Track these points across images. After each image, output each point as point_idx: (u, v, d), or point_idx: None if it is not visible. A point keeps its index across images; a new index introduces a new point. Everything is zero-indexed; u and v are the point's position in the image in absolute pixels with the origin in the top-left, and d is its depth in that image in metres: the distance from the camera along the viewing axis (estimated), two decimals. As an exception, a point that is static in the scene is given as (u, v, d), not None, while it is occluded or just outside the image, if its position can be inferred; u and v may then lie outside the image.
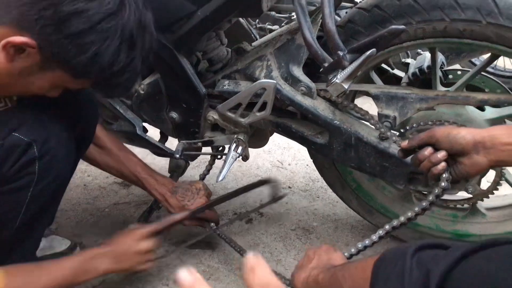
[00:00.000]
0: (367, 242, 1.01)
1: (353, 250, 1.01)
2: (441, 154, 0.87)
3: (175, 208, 1.24)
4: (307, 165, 1.86)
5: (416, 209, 0.99)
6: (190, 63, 1.23)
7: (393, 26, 0.88)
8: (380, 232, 1.01)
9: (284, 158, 1.93)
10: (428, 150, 0.89)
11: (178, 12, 1.10)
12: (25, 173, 0.89)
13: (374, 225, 1.39)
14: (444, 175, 0.88)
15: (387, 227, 1.01)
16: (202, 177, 1.40)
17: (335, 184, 1.37)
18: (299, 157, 1.93)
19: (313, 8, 1.23)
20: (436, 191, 0.94)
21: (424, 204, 0.97)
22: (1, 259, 0.98)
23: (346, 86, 0.93)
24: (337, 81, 0.93)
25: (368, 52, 0.89)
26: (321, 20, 1.08)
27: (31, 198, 0.92)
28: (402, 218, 1.00)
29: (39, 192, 0.93)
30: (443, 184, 0.90)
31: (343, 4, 2.12)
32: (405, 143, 0.95)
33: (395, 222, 1.00)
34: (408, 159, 1.07)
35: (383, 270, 0.63)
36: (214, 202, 1.27)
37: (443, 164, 0.87)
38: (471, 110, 1.10)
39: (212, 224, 1.28)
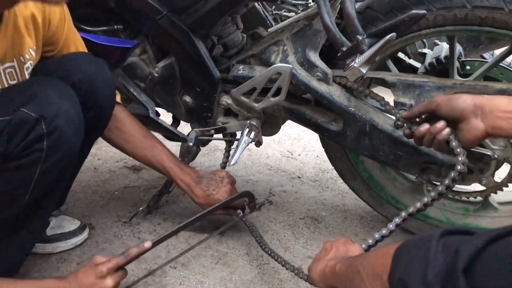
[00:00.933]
0: (384, 231, 0.97)
1: (370, 241, 0.98)
2: (440, 124, 0.88)
3: (199, 198, 1.24)
4: (317, 156, 1.86)
5: (433, 193, 0.95)
6: (205, 47, 1.23)
7: (414, 11, 0.87)
8: (397, 220, 0.98)
9: (294, 148, 1.93)
10: (424, 126, 0.90)
11: (196, -6, 1.10)
12: (33, 150, 0.88)
13: (384, 216, 1.39)
14: (450, 137, 0.88)
15: (403, 214, 0.98)
16: (223, 165, 1.39)
17: (346, 174, 1.37)
18: (309, 148, 1.92)
19: None
20: (452, 174, 0.92)
21: (440, 189, 0.95)
22: (10, 236, 0.99)
23: (364, 70, 0.93)
24: (355, 65, 0.93)
25: (388, 36, 0.88)
26: (339, 6, 1.08)
27: (39, 175, 0.91)
28: (418, 204, 0.97)
29: (48, 169, 0.91)
30: (459, 167, 0.89)
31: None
32: (406, 113, 0.96)
33: (411, 209, 0.97)
34: (422, 148, 1.07)
35: (405, 255, 0.61)
36: (192, 221, 1.18)
37: (447, 130, 0.87)
38: (488, 101, 1.09)
39: (238, 211, 1.28)
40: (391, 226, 0.97)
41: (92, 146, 1.23)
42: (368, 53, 0.91)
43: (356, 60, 0.92)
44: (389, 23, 0.91)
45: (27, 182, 0.91)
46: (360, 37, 0.93)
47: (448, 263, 0.54)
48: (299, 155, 1.88)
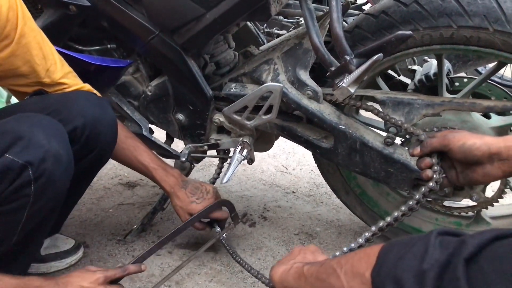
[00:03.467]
0: (352, 245, 0.94)
1: (338, 253, 0.93)
2: (427, 174, 0.87)
3: (181, 201, 1.22)
4: (312, 170, 1.86)
5: (403, 208, 0.94)
6: (197, 66, 1.24)
7: (400, 32, 0.89)
8: (367, 234, 0.95)
9: (289, 163, 1.93)
10: (425, 163, 0.87)
11: (187, 15, 1.11)
12: (20, 196, 0.85)
13: (378, 231, 1.39)
14: (434, 176, 0.86)
15: (373, 228, 0.95)
16: (213, 181, 1.40)
17: (339, 189, 1.37)
18: (304, 162, 1.93)
19: (321, 13, 1.24)
20: (423, 189, 0.91)
21: (410, 202, 0.93)
22: (6, 264, 0.97)
23: (352, 90, 0.94)
24: (344, 85, 0.94)
25: (375, 57, 0.89)
26: (328, 25, 1.09)
27: (27, 218, 0.89)
28: (388, 219, 0.94)
29: (36, 211, 0.89)
30: (431, 184, 0.88)
31: (351, 11, 2.14)
32: (417, 151, 0.91)
33: (381, 223, 0.94)
34: (413, 165, 1.07)
35: (394, 252, 0.59)
36: (173, 234, 1.22)
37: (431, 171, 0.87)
38: (477, 117, 1.10)
39: (218, 229, 1.28)
40: (360, 240, 0.95)
41: (93, 179, 1.23)
42: (356, 73, 0.92)
43: (345, 80, 0.93)
44: (376, 44, 0.92)
45: (14, 225, 0.89)
46: (348, 57, 0.94)
47: (450, 253, 0.53)
48: (293, 169, 1.89)
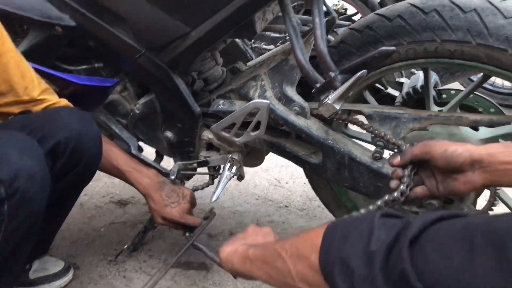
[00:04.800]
0: None
1: None
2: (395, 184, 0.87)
3: (156, 204, 1.19)
4: (305, 183, 1.85)
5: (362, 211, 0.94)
6: (185, 83, 1.24)
7: (384, 48, 0.88)
8: None
9: (282, 176, 1.93)
10: (396, 173, 0.88)
11: (172, 33, 1.11)
12: None
13: (371, 245, 1.38)
14: (401, 187, 0.86)
15: None
16: (194, 189, 1.37)
17: (330, 203, 1.36)
18: (297, 175, 1.92)
19: (306, 28, 1.24)
20: (386, 197, 0.90)
21: (371, 208, 0.92)
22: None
23: (337, 106, 0.93)
24: (329, 101, 0.94)
25: (359, 73, 0.89)
26: (313, 41, 1.09)
27: (4, 238, 0.87)
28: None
29: (12, 232, 0.88)
30: (395, 194, 0.87)
31: (340, 22, 2.15)
32: (397, 160, 0.90)
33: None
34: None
35: (339, 234, 0.60)
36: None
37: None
38: (465, 130, 1.09)
39: (187, 234, 1.22)
40: None
41: (79, 195, 1.22)
42: (340, 90, 0.91)
43: (330, 97, 0.93)
44: (360, 60, 0.92)
45: None
46: (332, 74, 0.94)
47: (396, 234, 0.54)
48: (286, 182, 1.88)
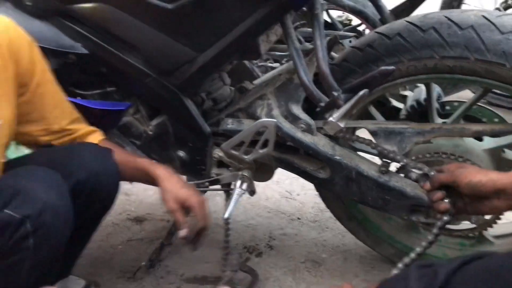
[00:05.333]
0: None
1: None
2: (444, 206, 0.89)
3: (174, 185, 1.13)
4: (316, 194, 1.86)
5: (423, 243, 0.96)
6: (194, 104, 1.28)
7: (383, 67, 0.91)
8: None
9: (293, 188, 1.95)
10: (437, 196, 0.90)
11: (180, 58, 1.15)
12: (20, 249, 0.87)
13: (383, 255, 1.40)
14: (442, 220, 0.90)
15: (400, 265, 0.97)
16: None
17: (341, 216, 1.39)
18: (308, 186, 1.94)
19: (310, 47, 1.27)
20: (439, 223, 0.93)
21: (430, 238, 0.95)
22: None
23: (342, 124, 0.97)
24: (333, 120, 0.97)
25: (361, 93, 0.92)
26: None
27: (29, 269, 0.91)
28: (412, 255, 0.96)
29: (37, 263, 0.91)
30: (445, 218, 0.91)
31: (345, 33, 2.18)
32: (427, 186, 0.94)
33: (400, 265, 0.96)
34: (409, 191, 1.09)
35: None
36: None
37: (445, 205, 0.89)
38: (469, 140, 1.12)
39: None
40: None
41: (99, 224, 1.23)
42: (343, 109, 0.95)
43: (334, 115, 0.96)
44: (361, 79, 0.95)
45: (18, 276, 0.91)
46: (335, 93, 0.97)
47: (426, 282, 0.61)
48: (298, 194, 1.90)
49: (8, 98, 0.97)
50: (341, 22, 2.47)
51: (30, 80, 1.02)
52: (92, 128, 1.18)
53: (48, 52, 1.27)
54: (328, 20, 2.51)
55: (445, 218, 0.91)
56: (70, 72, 1.32)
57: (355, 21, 2.48)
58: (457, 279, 0.59)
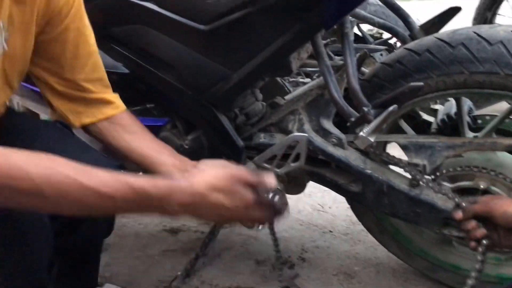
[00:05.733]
0: None
1: None
2: (481, 232, 0.89)
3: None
4: (347, 207, 1.87)
5: (473, 274, 0.96)
6: (228, 119, 1.33)
7: (412, 84, 0.94)
8: None
9: (325, 201, 1.97)
10: (471, 225, 0.91)
11: (215, 77, 1.21)
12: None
13: (415, 268, 1.40)
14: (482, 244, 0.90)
15: None
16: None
17: (373, 229, 1.40)
18: (340, 199, 1.95)
19: (340, 62, 1.30)
20: (480, 249, 0.93)
21: (477, 266, 0.95)
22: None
23: (372, 139, 0.99)
24: (363, 134, 0.99)
25: (390, 108, 0.95)
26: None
27: None
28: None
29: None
30: (484, 241, 0.91)
31: (376, 47, 2.19)
32: (460, 215, 0.95)
33: None
34: (440, 204, 1.10)
35: None
36: None
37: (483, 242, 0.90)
38: (502, 154, 1.11)
39: None
40: None
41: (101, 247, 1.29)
42: (373, 124, 0.97)
43: (364, 130, 0.99)
44: (390, 95, 0.97)
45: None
46: (366, 109, 1.00)
47: None
48: (329, 207, 1.92)
49: (27, 28, 0.91)
50: (371, 35, 2.49)
51: (60, 22, 0.95)
52: (111, 97, 1.10)
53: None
54: (359, 33, 2.53)
55: (485, 242, 0.91)
56: (113, 88, 1.40)
57: (386, 34, 2.48)
58: None
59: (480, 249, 0.92)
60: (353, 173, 1.17)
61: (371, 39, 2.42)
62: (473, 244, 0.90)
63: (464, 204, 0.96)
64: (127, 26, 1.28)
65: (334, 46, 1.98)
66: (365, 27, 2.61)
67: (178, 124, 1.43)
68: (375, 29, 2.57)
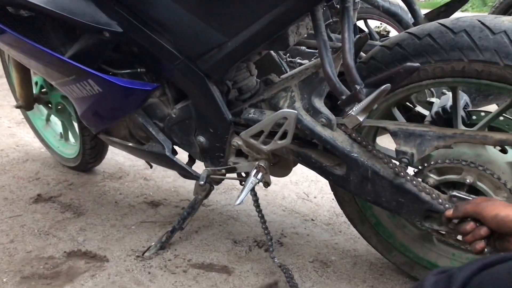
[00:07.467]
0: None
1: None
2: (483, 230, 0.86)
3: None
4: (333, 199, 1.85)
5: None
6: (219, 91, 1.29)
7: (409, 63, 0.90)
8: None
9: (311, 190, 1.94)
10: (470, 225, 0.89)
11: (210, 43, 1.17)
12: None
13: (393, 263, 1.37)
14: (485, 250, 0.88)
15: None
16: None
17: (354, 218, 1.37)
18: (326, 190, 1.93)
19: (339, 44, 1.27)
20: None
21: None
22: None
23: (361, 118, 0.96)
24: (353, 113, 0.96)
25: (383, 87, 0.91)
26: (343, 56, 1.12)
27: None
28: None
29: None
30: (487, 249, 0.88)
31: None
32: (449, 212, 0.95)
33: None
34: (424, 196, 1.07)
35: None
36: None
37: (482, 244, 0.87)
38: (492, 151, 1.09)
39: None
40: None
41: None
42: (364, 102, 0.94)
43: (354, 109, 0.96)
44: (385, 74, 0.94)
45: None
46: (358, 87, 0.97)
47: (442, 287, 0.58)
48: (315, 197, 1.89)
49: None
50: (378, 32, 2.46)
51: None
52: None
53: (84, 28, 1.32)
54: (366, 30, 2.50)
55: (487, 249, 0.88)
56: (103, 49, 1.36)
57: (393, 32, 2.46)
58: (474, 284, 0.55)
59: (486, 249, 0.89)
60: (338, 155, 1.14)
61: (377, 36, 2.40)
62: (481, 245, 0.87)
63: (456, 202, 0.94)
64: (126, -17, 1.25)
65: (337, 36, 1.95)
66: (372, 24, 2.58)
67: (167, 92, 1.40)
68: (382, 27, 2.55)
